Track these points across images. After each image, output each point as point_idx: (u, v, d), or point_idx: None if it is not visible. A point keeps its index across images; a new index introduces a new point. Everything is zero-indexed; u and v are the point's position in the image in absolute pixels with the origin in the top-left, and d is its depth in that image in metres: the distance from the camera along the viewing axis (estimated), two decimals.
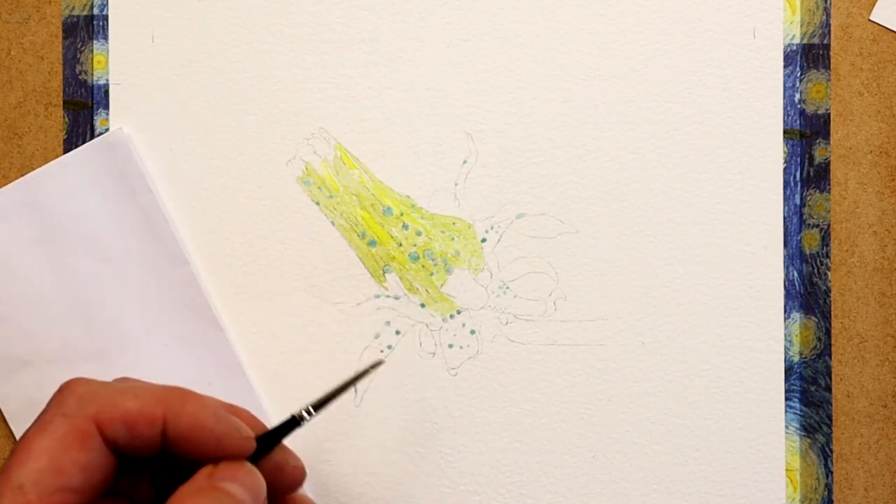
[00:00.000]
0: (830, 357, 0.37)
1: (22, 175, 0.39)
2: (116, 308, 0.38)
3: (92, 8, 0.39)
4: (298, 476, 0.31)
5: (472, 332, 0.38)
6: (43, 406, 0.39)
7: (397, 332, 0.38)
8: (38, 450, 0.26)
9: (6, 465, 0.26)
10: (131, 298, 0.38)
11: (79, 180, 0.38)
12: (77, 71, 0.39)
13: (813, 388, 0.37)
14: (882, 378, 0.37)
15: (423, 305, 0.38)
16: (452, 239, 0.38)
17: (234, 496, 0.27)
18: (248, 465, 0.28)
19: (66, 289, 0.38)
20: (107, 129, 0.39)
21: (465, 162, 0.38)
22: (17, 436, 0.39)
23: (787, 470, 0.37)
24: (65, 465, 0.26)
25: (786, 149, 0.38)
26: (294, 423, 0.30)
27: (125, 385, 0.28)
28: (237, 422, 0.29)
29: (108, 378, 0.39)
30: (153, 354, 0.38)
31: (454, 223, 0.38)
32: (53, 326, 0.38)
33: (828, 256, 0.38)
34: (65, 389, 0.28)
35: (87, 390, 0.27)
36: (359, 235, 0.38)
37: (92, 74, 0.39)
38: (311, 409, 0.31)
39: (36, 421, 0.27)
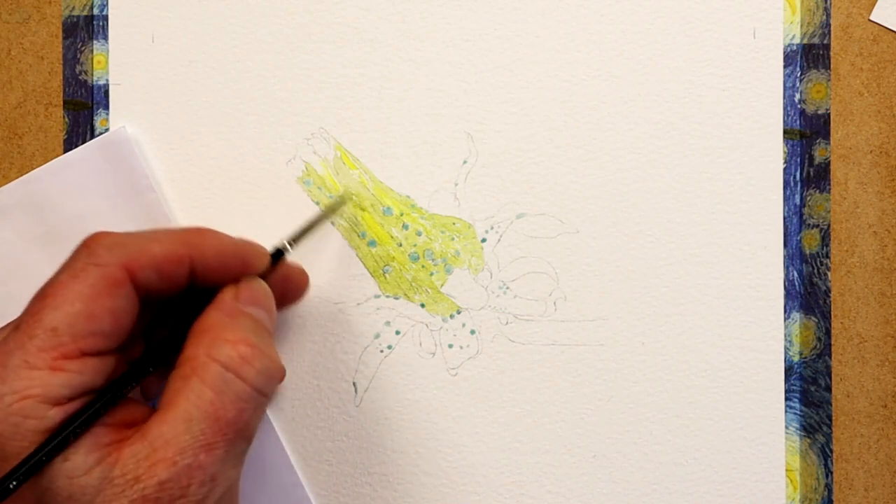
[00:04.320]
0: (830, 357, 0.37)
1: (22, 175, 0.39)
2: None
3: (92, 8, 0.39)
4: (304, 280, 0.35)
5: (472, 332, 0.38)
6: None
7: (397, 332, 0.38)
8: (72, 295, 0.27)
9: (35, 308, 0.27)
10: None
11: (81, 178, 0.38)
12: (77, 71, 0.39)
13: (813, 388, 0.37)
14: (882, 378, 0.37)
15: (423, 305, 0.38)
16: (452, 239, 0.38)
17: (258, 320, 0.29)
18: (263, 284, 0.31)
19: None
20: (107, 130, 0.39)
21: (465, 162, 0.38)
22: None
23: (787, 470, 0.37)
24: (97, 311, 0.27)
25: (786, 149, 0.38)
26: (279, 253, 0.33)
27: (146, 233, 0.29)
28: (252, 241, 0.31)
29: None
30: None
31: (454, 223, 0.38)
32: None
33: (828, 256, 0.38)
34: (91, 242, 0.28)
35: (114, 241, 0.28)
36: (359, 235, 0.38)
37: (92, 74, 0.39)
38: (291, 242, 0.34)
39: (64, 269, 0.28)
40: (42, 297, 0.27)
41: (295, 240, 0.34)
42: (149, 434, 0.26)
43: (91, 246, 0.28)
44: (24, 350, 0.26)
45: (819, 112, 0.38)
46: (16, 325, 0.27)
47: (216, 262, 0.30)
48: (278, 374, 0.29)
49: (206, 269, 0.29)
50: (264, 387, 0.28)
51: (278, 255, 0.33)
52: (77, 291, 0.27)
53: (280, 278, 0.33)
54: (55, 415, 0.26)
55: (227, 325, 0.28)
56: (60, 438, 0.25)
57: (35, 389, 0.25)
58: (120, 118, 0.39)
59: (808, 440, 0.37)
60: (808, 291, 0.37)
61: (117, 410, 0.27)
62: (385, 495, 0.38)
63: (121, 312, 0.27)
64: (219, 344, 0.28)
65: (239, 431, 0.27)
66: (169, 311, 0.32)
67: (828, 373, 0.37)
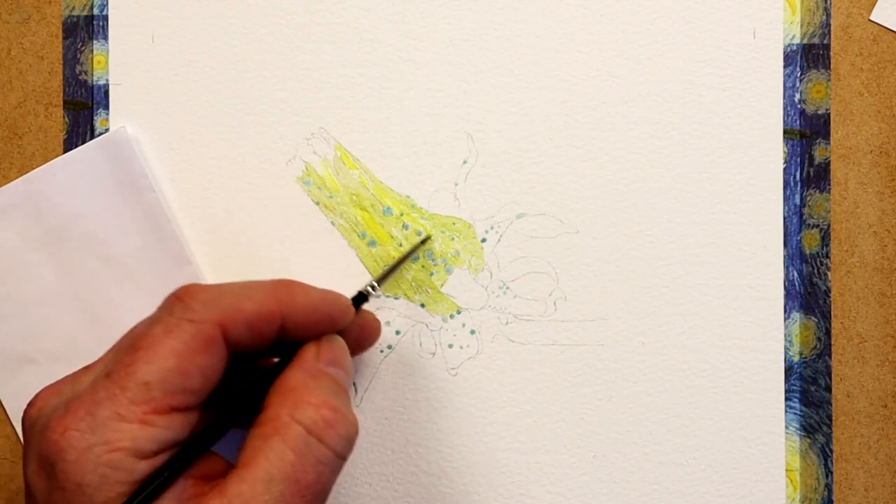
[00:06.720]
0: (830, 357, 0.37)
1: (22, 175, 0.39)
2: (119, 306, 0.38)
3: (92, 8, 0.39)
4: (378, 329, 0.35)
5: (472, 332, 0.38)
6: None
7: (397, 332, 0.38)
8: (166, 351, 0.27)
9: (128, 359, 0.27)
10: (134, 297, 0.38)
11: (81, 178, 0.38)
12: (77, 71, 0.39)
13: (813, 388, 0.37)
14: (882, 378, 0.37)
15: (423, 305, 0.38)
16: (452, 239, 0.38)
17: (339, 382, 0.29)
18: (342, 343, 0.31)
19: (68, 287, 0.38)
20: (107, 130, 0.39)
21: (465, 162, 0.38)
22: (21, 434, 0.39)
23: (787, 470, 0.37)
24: (189, 368, 0.27)
25: (786, 149, 0.38)
26: (363, 297, 0.34)
27: (238, 287, 0.29)
28: (335, 294, 0.31)
29: None
30: None
31: (454, 223, 0.38)
32: (56, 324, 0.38)
33: (828, 256, 0.38)
34: (185, 296, 0.28)
35: (209, 296, 0.28)
36: (359, 235, 0.38)
37: (92, 74, 0.39)
38: (376, 284, 0.34)
39: (158, 321, 0.28)
40: (135, 349, 0.27)
41: (378, 283, 0.35)
42: (227, 492, 0.26)
43: (185, 300, 0.28)
44: (116, 402, 0.26)
45: (819, 112, 0.38)
46: (106, 374, 0.27)
47: (305, 318, 0.30)
48: (356, 438, 0.29)
49: (295, 326, 0.30)
50: (343, 451, 0.28)
51: (361, 299, 0.33)
52: (171, 347, 0.27)
53: (357, 326, 0.33)
54: (143, 468, 0.26)
55: (310, 387, 0.28)
56: (149, 491, 0.26)
57: (125, 442, 0.25)
58: (120, 118, 0.39)
59: (808, 440, 0.37)
60: (808, 291, 0.37)
61: (198, 464, 0.28)
62: (385, 495, 0.38)
63: (211, 370, 0.28)
64: (302, 406, 0.28)
65: (316, 495, 0.27)
66: (247, 361, 0.32)
67: (828, 373, 0.37)
